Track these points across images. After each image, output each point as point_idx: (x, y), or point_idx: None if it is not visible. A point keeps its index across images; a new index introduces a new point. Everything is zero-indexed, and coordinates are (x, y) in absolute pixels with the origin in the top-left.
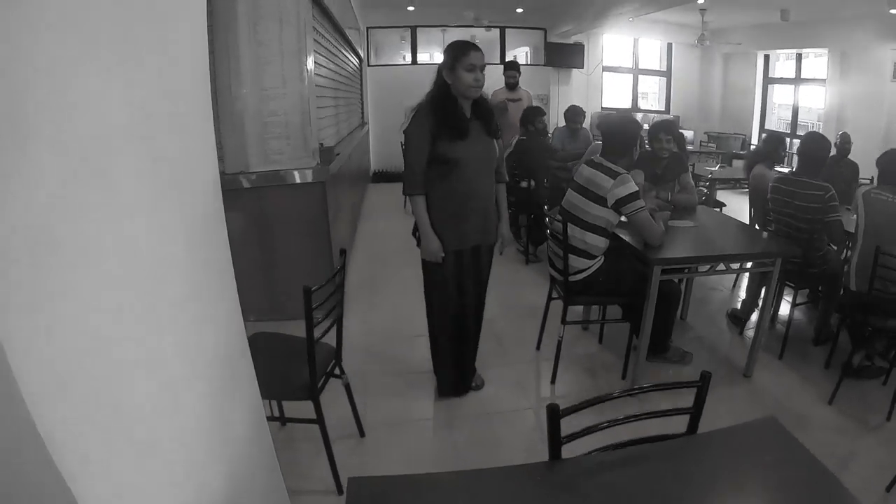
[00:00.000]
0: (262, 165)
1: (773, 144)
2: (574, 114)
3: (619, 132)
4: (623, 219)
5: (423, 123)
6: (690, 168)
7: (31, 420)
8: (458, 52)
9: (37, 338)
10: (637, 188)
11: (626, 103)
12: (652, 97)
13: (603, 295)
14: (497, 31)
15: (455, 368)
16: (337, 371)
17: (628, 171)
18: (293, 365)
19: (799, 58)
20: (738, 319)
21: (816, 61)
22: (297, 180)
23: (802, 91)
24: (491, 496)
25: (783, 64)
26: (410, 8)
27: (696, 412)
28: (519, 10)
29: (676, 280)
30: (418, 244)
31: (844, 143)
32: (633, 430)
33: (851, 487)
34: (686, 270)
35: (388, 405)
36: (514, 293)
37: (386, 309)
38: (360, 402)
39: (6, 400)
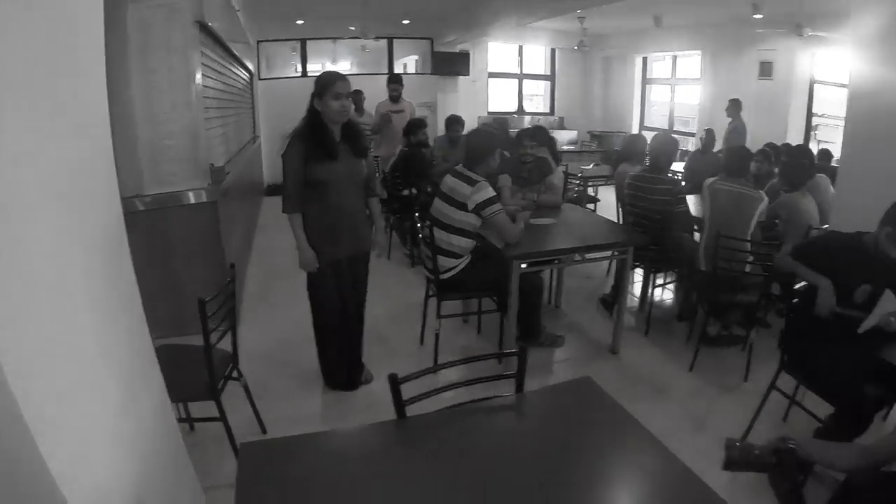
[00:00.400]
0: (156, 188)
1: (634, 145)
2: (453, 122)
3: (476, 144)
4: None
5: (297, 148)
6: (564, 167)
7: None
8: (326, 83)
9: None
10: (494, 193)
11: (511, 107)
12: (537, 100)
13: (472, 290)
14: (386, 41)
15: (341, 366)
16: (235, 374)
17: (487, 179)
18: (194, 370)
19: (675, 59)
20: (608, 304)
21: (691, 62)
22: (191, 200)
23: (679, 90)
24: (353, 449)
25: (661, 65)
26: (300, 21)
27: (519, 375)
28: (405, 22)
29: (538, 272)
30: None
31: (710, 138)
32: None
33: (706, 443)
34: (556, 262)
35: (287, 403)
36: (399, 293)
37: (280, 316)
38: (260, 403)
39: None
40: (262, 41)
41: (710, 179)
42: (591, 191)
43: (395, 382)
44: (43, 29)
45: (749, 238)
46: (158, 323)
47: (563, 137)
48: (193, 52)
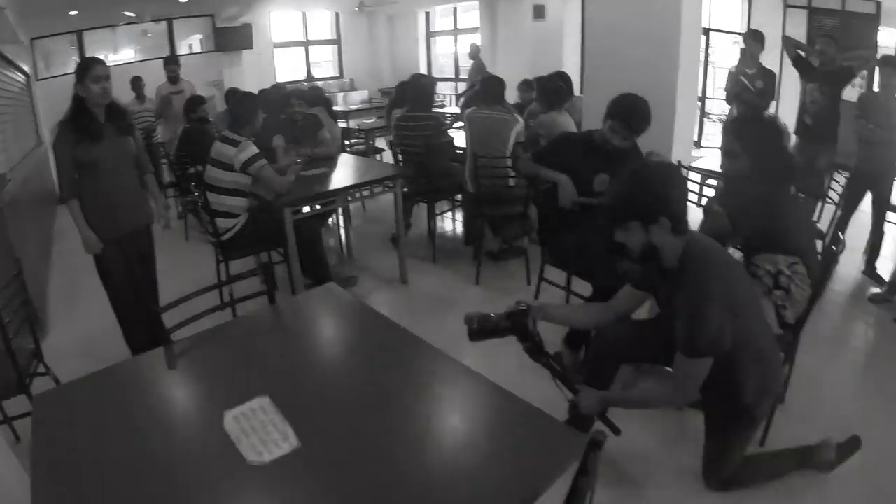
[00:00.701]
0: None
1: (402, 91)
2: (231, 95)
3: (239, 108)
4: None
5: (65, 135)
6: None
7: None
8: (85, 68)
9: None
10: (258, 150)
11: (300, 75)
12: (326, 66)
13: (255, 246)
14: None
15: (149, 342)
16: (41, 369)
17: (251, 139)
18: None
19: (455, 11)
20: (396, 241)
21: (474, 13)
22: None
23: (461, 40)
24: (139, 377)
25: (445, 18)
26: (73, 12)
27: (269, 290)
28: (182, 0)
29: (309, 217)
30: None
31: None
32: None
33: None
34: (330, 203)
35: None
36: (199, 266)
37: (90, 312)
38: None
39: None
40: (36, 38)
41: (469, 109)
42: (380, 144)
43: (155, 314)
44: None
45: (508, 156)
46: None
47: (355, 98)
48: None
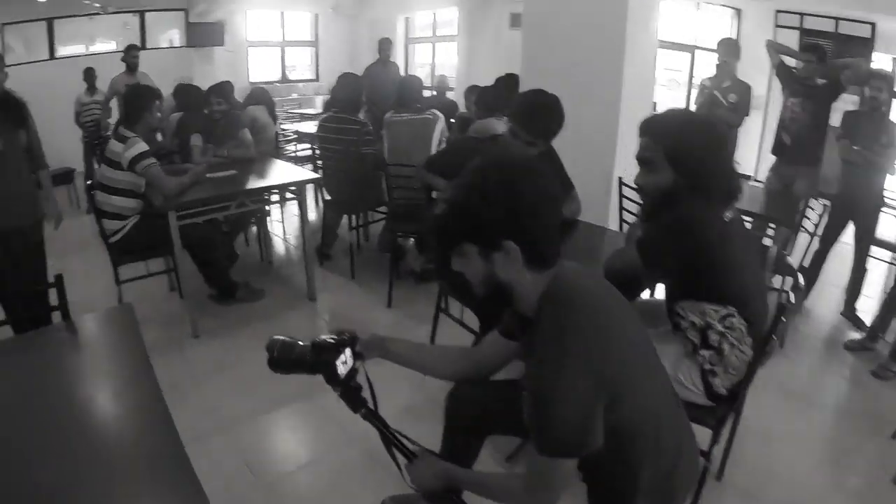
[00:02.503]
0: None
1: (336, 92)
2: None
3: (133, 103)
4: None
5: None
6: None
7: None
8: None
9: None
10: (146, 148)
11: (275, 76)
12: (302, 68)
13: (145, 251)
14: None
15: None
16: None
17: (142, 136)
18: None
19: (434, 16)
20: (322, 254)
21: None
22: None
23: (439, 48)
24: None
25: (424, 24)
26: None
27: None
28: None
29: (197, 223)
30: None
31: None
32: None
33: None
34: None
35: None
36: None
37: None
38: None
39: None
40: (6, 24)
41: (388, 114)
42: None
43: None
44: None
45: None
46: None
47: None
48: None
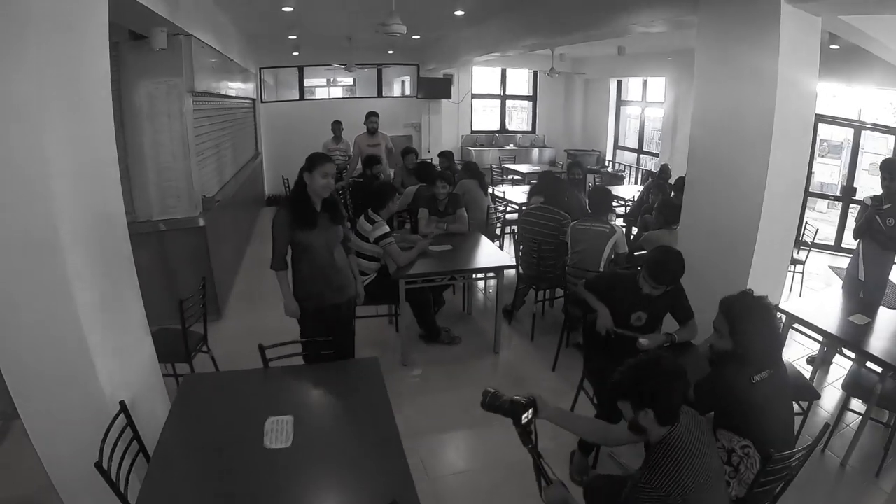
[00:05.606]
0: (163, 215)
1: (542, 181)
2: (408, 153)
3: (376, 196)
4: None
5: (283, 216)
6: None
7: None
8: (316, 161)
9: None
10: (388, 229)
11: (494, 125)
12: (519, 120)
13: (380, 299)
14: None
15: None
16: (205, 348)
17: (385, 219)
18: (177, 342)
19: (645, 83)
20: (507, 312)
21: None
22: (187, 226)
23: (648, 111)
24: (250, 385)
25: (635, 86)
26: (295, 53)
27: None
28: (390, 52)
29: (421, 288)
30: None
31: (664, 174)
32: None
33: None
34: (438, 280)
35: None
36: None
37: (258, 313)
38: (223, 366)
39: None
40: (263, 68)
41: (573, 222)
42: None
43: (261, 349)
44: (68, 100)
45: (600, 268)
46: (161, 313)
47: (545, 156)
48: (187, 115)
